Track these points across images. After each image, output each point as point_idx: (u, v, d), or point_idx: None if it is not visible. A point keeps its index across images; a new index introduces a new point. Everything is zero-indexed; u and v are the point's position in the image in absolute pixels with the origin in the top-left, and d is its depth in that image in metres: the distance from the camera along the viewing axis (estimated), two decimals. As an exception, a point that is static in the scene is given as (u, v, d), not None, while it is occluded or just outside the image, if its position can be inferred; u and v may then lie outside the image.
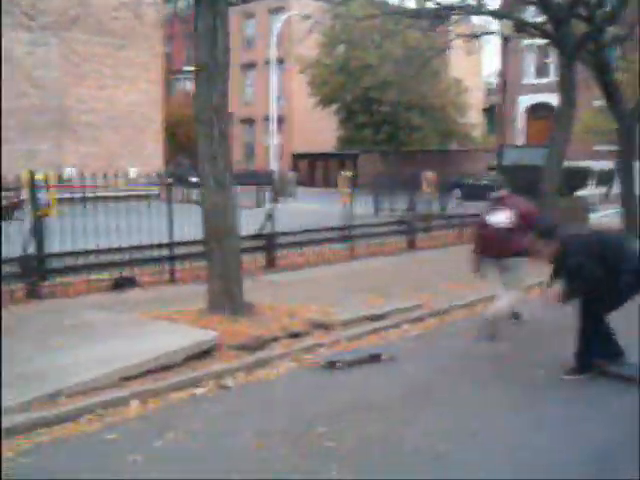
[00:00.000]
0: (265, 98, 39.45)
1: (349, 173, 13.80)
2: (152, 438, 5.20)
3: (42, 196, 9.32)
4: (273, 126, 34.91)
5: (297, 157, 46.27)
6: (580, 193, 22.77)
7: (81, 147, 29.16)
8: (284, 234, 12.86)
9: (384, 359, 7.18)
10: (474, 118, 42.93)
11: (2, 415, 5.20)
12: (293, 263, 12.55)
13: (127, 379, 6.25)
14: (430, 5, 16.03)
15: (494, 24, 18.42)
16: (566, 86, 14.48)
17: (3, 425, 5.16)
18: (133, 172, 25.30)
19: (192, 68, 33.36)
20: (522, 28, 17.03)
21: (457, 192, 25.93)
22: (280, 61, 41.87)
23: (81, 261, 9.83)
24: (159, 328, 7.43)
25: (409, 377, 6.74)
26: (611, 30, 16.05)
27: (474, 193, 22.71)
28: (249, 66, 48.89)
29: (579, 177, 23.52)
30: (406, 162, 35.22)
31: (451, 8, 15.43)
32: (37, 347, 6.90)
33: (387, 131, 37.34)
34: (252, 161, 47.28)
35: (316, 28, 18.58)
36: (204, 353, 6.94)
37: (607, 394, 6.18)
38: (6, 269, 8.94)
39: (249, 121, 49.04)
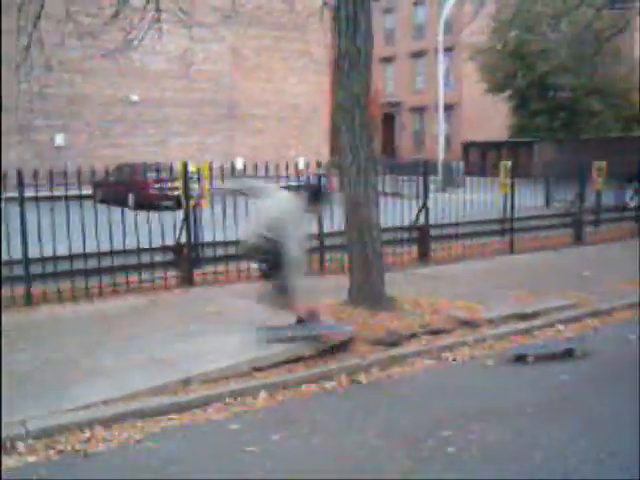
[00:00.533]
0: (435, 86, 38.76)
1: (508, 162, 13.10)
2: (274, 430, 5.17)
3: (195, 187, 9.62)
4: (440, 114, 34.23)
5: (467, 146, 45.11)
6: None
7: (250, 139, 30.17)
8: (438, 226, 12.48)
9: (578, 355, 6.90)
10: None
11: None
12: (447, 256, 12.13)
13: (259, 369, 6.29)
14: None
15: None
16: None
17: (134, 407, 5.35)
18: (301, 162, 25.82)
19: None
20: None
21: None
22: (450, 48, 41.03)
23: (231, 251, 10.03)
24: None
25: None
26: None
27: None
28: (419, 54, 48.34)
29: None
30: (584, 150, 33.22)
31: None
32: (177, 333, 7.12)
33: (563, 118, 35.45)
34: (422, 150, 46.76)
35: (482, 12, 17.83)
36: (338, 346, 6.83)
37: None
38: (160, 257, 9.33)
39: (419, 110, 48.56)
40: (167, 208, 12.27)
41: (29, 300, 8.50)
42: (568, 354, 6.91)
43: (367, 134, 7.79)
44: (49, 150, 26.27)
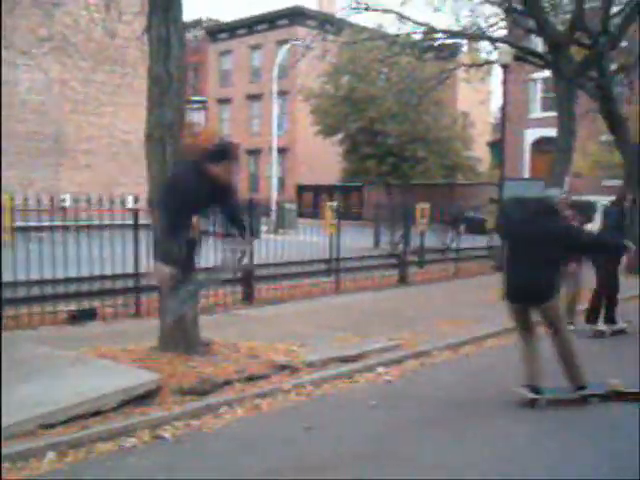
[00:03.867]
0: (270, 129, 39.05)
1: (334, 203, 13.14)
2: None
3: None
4: (274, 156, 34.45)
5: (301, 188, 45.75)
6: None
7: (78, 174, 28.74)
8: (264, 266, 12.15)
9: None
10: (481, 151, 42.31)
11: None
12: (273, 297, 11.82)
13: (48, 427, 5.51)
14: (422, 30, 15.48)
15: (494, 54, 17.82)
16: (565, 116, 13.80)
17: None
18: (130, 200, 24.80)
19: (197, 98, 33.33)
20: (522, 56, 16.41)
21: (462, 227, 25.20)
22: (285, 92, 41.61)
23: (36, 292, 9.13)
24: (96, 367, 6.68)
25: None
26: (615, 58, 15.43)
27: (475, 226, 22.06)
28: (255, 97, 48.68)
29: (584, 211, 22.68)
30: (411, 194, 34.59)
31: (447, 32, 14.85)
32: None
33: (391, 163, 36.78)
34: (257, 192, 46.78)
35: (309, 55, 18.02)
36: (143, 397, 6.19)
37: None
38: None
39: (254, 152, 48.66)
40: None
41: None
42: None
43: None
44: None
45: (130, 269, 9.96)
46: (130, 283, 10.12)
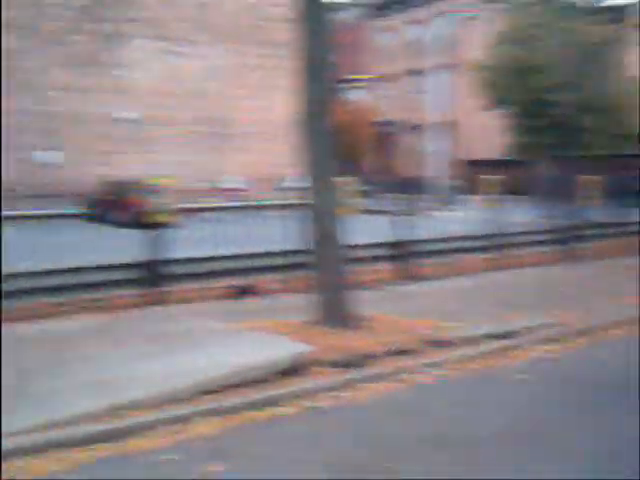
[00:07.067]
0: (433, 104, 38.59)
1: (496, 178, 12.76)
2: (211, 461, 4.70)
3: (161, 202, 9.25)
4: (436, 133, 34.00)
5: (464, 164, 44.76)
6: None
7: (240, 157, 29.93)
8: (422, 242, 12.07)
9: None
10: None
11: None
12: (430, 273, 11.70)
13: (206, 392, 5.85)
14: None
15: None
16: None
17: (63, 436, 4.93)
18: (289, 180, 25.50)
19: (358, 77, 33.52)
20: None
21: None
22: (446, 66, 40.86)
23: (202, 268, 9.65)
24: (253, 339, 7.00)
25: None
26: None
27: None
28: (416, 72, 48.08)
29: None
30: (578, 167, 32.89)
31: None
32: (127, 353, 6.68)
33: (560, 134, 35.09)
34: (420, 169, 46.42)
35: (471, 25, 17.53)
36: (296, 369, 6.40)
37: None
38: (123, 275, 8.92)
39: (416, 128, 48.20)
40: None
41: None
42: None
43: (330, 144, 7.39)
44: (40, 168, 26.04)
45: (287, 247, 10.28)
46: (291, 259, 10.41)
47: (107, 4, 8.68)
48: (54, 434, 4.94)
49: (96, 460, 4.77)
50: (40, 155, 26.93)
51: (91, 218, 20.79)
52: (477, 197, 14.94)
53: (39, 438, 4.88)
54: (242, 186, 27.31)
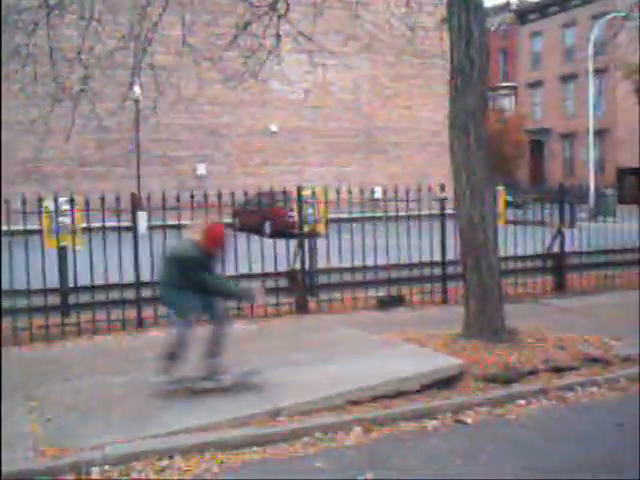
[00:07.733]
0: (586, 110, 36.92)
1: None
2: (360, 472, 4.71)
3: (310, 212, 9.39)
4: (591, 139, 32.43)
5: (621, 172, 42.46)
6: None
7: (388, 167, 29.95)
8: (576, 254, 11.54)
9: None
10: None
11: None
12: (584, 287, 11.15)
13: (354, 403, 5.86)
14: None
15: None
16: None
17: (214, 438, 5.10)
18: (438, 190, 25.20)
19: (506, 84, 32.64)
20: None
21: None
22: (601, 70, 39.00)
23: (347, 278, 9.71)
24: (402, 350, 6.95)
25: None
26: None
27: None
28: (569, 78, 46.29)
29: None
30: None
31: None
32: (277, 360, 6.81)
33: None
34: (573, 177, 44.57)
35: (629, 26, 16.61)
36: (445, 382, 6.28)
37: None
38: (273, 284, 9.12)
39: (569, 136, 46.36)
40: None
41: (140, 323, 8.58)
42: None
43: (483, 153, 7.22)
44: (191, 179, 27.31)
45: (437, 257, 10.15)
46: (436, 271, 10.29)
47: (261, 20, 8.85)
48: (202, 436, 5.12)
49: (241, 464, 4.90)
50: (199, 167, 28.32)
51: (242, 228, 21.46)
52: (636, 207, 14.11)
53: (191, 439, 5.08)
54: (393, 196, 27.33)
